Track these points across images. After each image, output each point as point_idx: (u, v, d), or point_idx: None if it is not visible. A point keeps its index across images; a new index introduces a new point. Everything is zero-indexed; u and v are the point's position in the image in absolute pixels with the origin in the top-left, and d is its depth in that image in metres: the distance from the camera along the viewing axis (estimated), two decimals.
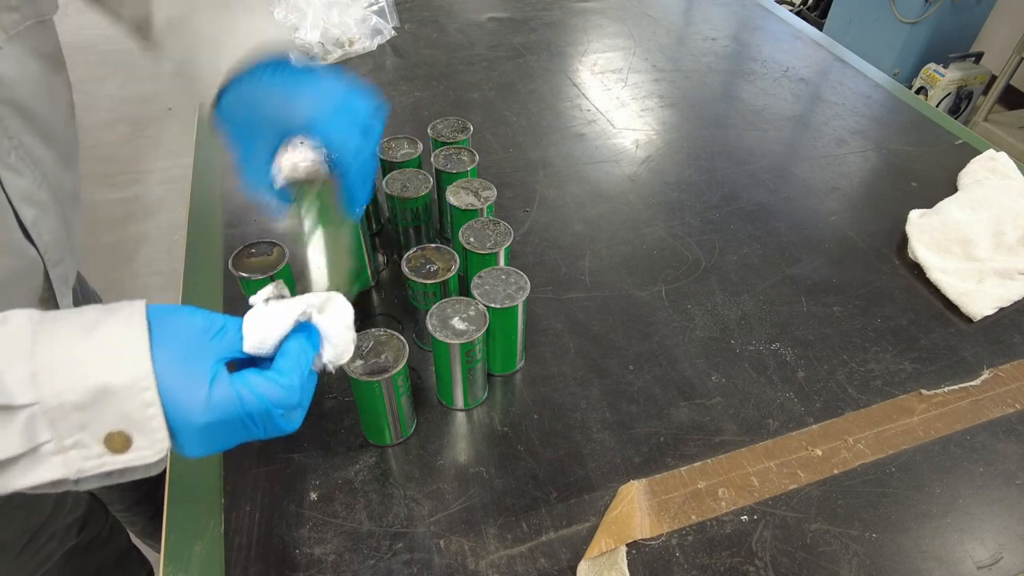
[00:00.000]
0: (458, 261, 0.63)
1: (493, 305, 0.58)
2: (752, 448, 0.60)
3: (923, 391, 0.66)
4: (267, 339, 0.39)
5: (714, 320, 0.73)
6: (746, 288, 0.77)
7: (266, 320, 0.40)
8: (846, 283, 0.78)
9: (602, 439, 0.61)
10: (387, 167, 0.77)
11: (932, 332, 0.72)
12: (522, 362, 0.67)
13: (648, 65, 1.23)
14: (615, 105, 1.11)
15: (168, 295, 1.87)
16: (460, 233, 0.66)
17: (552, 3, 1.46)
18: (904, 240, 0.83)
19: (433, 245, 0.65)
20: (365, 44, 1.22)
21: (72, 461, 0.34)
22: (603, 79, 1.18)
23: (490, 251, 0.65)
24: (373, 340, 0.56)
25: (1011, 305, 0.75)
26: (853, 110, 1.11)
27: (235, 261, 0.62)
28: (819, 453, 0.60)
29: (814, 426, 0.62)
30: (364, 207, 0.57)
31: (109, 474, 0.36)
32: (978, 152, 0.98)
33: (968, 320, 0.73)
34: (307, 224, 0.56)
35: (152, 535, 1.03)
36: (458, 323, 0.57)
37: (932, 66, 2.49)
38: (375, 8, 1.27)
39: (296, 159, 0.52)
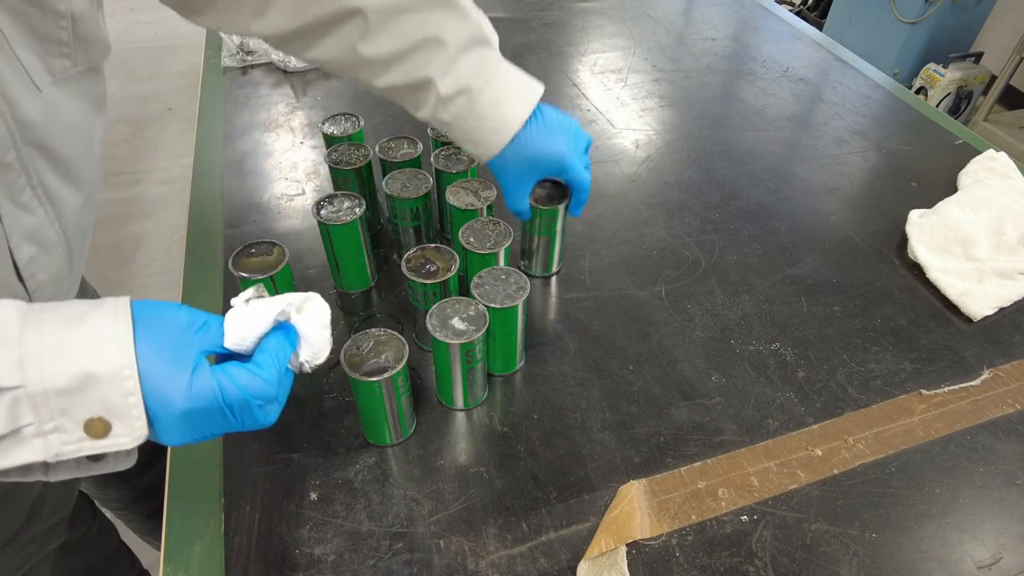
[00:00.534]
0: (458, 261, 0.63)
1: (493, 305, 0.58)
2: (752, 448, 0.60)
3: (923, 391, 0.66)
4: (247, 336, 0.41)
5: (714, 320, 0.73)
6: (746, 288, 0.77)
7: (247, 318, 0.41)
8: (846, 283, 0.78)
9: (602, 439, 0.61)
10: (387, 167, 0.77)
11: (932, 332, 0.72)
12: (522, 362, 0.67)
13: (648, 65, 1.23)
14: (615, 105, 1.11)
15: (168, 295, 1.87)
16: (460, 233, 0.66)
17: (552, 3, 1.46)
18: (904, 240, 0.83)
19: (433, 245, 0.65)
20: None
21: (52, 444, 0.35)
22: (603, 79, 1.18)
23: (490, 251, 0.65)
24: (373, 340, 0.56)
25: (1011, 305, 0.75)
26: (853, 110, 1.11)
27: (235, 261, 0.62)
28: (819, 453, 0.60)
29: (814, 426, 0.62)
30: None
31: (82, 461, 0.38)
32: (978, 152, 0.98)
33: (968, 320, 0.73)
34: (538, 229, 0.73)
35: (150, 533, 1.03)
36: (458, 323, 0.57)
37: (932, 66, 2.49)
38: None
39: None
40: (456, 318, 0.58)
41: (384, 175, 0.75)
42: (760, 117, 1.08)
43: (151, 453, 0.90)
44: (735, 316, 0.73)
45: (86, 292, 0.78)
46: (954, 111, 2.55)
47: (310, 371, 0.45)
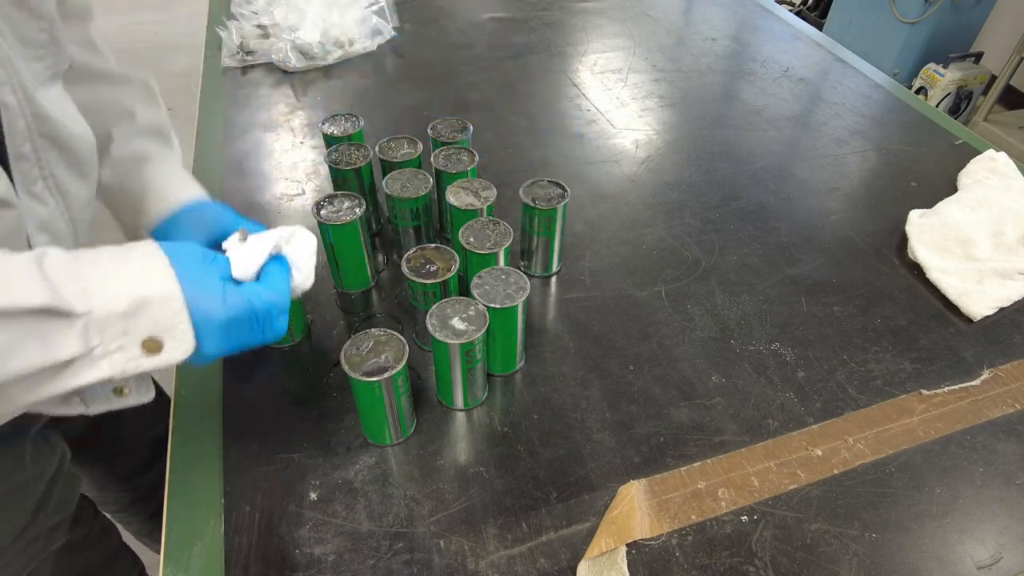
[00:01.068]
0: (458, 261, 0.63)
1: (493, 305, 0.58)
2: (752, 448, 0.60)
3: (923, 391, 0.66)
4: (251, 268, 0.49)
5: (714, 320, 0.73)
6: (746, 288, 0.77)
7: (249, 252, 0.50)
8: (846, 283, 0.78)
9: (602, 439, 0.61)
10: (387, 167, 0.77)
11: (932, 332, 0.72)
12: (522, 362, 0.67)
13: (648, 65, 1.23)
14: (615, 105, 1.11)
15: None
16: (460, 233, 0.66)
17: (552, 3, 1.46)
18: (904, 240, 0.83)
19: (433, 245, 0.65)
20: (365, 44, 1.22)
21: (116, 363, 0.41)
22: (603, 79, 1.18)
23: (490, 251, 0.65)
24: (373, 340, 0.56)
25: (1011, 305, 0.75)
26: (853, 110, 1.11)
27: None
28: (819, 453, 0.60)
29: (814, 426, 0.62)
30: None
31: (111, 397, 0.46)
32: (978, 152, 0.98)
33: (968, 320, 0.73)
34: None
35: (149, 535, 1.03)
36: (458, 323, 0.57)
37: (932, 66, 2.49)
38: (375, 8, 1.27)
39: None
40: (456, 318, 0.58)
41: (384, 175, 0.75)
42: (760, 117, 1.08)
43: (150, 455, 0.91)
44: (735, 316, 0.73)
45: None
46: (954, 111, 2.55)
47: (299, 296, 0.54)
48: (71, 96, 0.59)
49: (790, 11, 1.60)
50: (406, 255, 0.64)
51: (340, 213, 0.68)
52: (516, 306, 0.59)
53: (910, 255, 0.81)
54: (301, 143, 0.99)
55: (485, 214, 0.70)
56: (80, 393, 0.45)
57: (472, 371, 0.59)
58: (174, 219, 0.59)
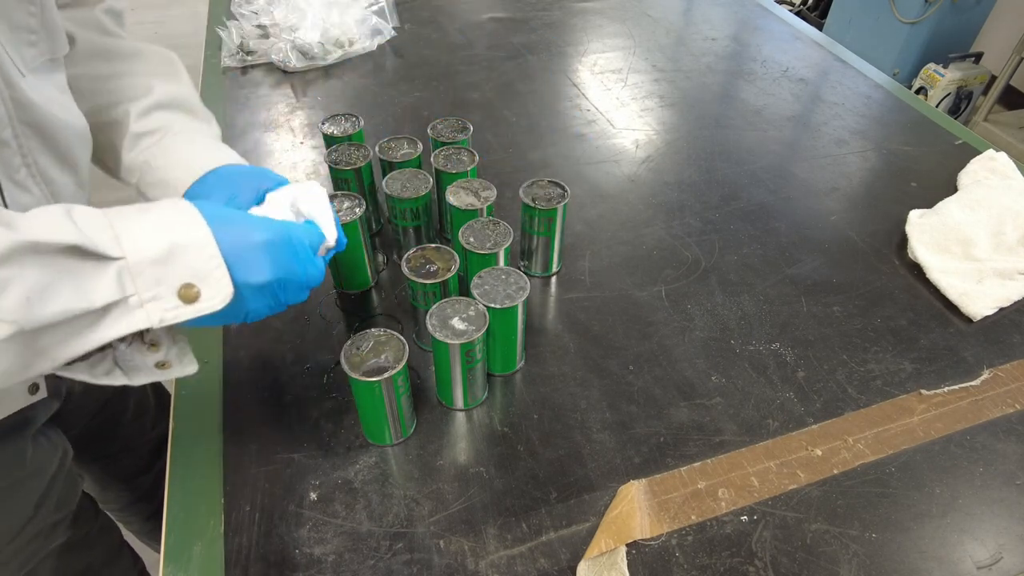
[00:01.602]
0: (458, 261, 0.63)
1: (493, 305, 0.58)
2: (752, 448, 0.60)
3: (923, 391, 0.66)
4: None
5: (714, 320, 0.73)
6: (746, 288, 0.77)
7: (274, 209, 0.51)
8: (846, 283, 0.78)
9: (602, 439, 0.61)
10: (387, 167, 0.77)
11: (932, 332, 0.72)
12: (522, 362, 0.67)
13: (648, 65, 1.23)
14: (615, 105, 1.11)
15: None
16: (460, 233, 0.66)
17: (552, 3, 1.46)
18: (904, 240, 0.83)
19: (433, 245, 0.65)
20: (365, 44, 1.22)
21: (153, 313, 0.40)
22: (603, 79, 1.18)
23: (490, 251, 0.65)
24: (373, 340, 0.56)
25: (1011, 305, 0.75)
26: (853, 110, 1.11)
27: None
28: (819, 453, 0.60)
29: (814, 426, 0.62)
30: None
31: (154, 371, 0.46)
32: (978, 152, 0.98)
33: (968, 320, 0.73)
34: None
35: (148, 535, 1.03)
36: (458, 323, 0.57)
37: (932, 66, 2.49)
38: (375, 8, 1.27)
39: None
40: (456, 318, 0.58)
41: (384, 175, 0.75)
42: (760, 117, 1.08)
43: (151, 454, 0.90)
44: (735, 316, 0.73)
45: None
46: (954, 111, 2.55)
47: (328, 255, 0.54)
48: (80, 76, 0.58)
49: (790, 11, 1.60)
50: (406, 255, 0.64)
51: (340, 213, 0.68)
52: (516, 306, 0.59)
53: (910, 255, 0.81)
54: (301, 143, 0.99)
55: (485, 214, 0.70)
56: (123, 366, 0.45)
57: (472, 371, 0.59)
58: (204, 182, 0.57)
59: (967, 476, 0.59)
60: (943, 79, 2.44)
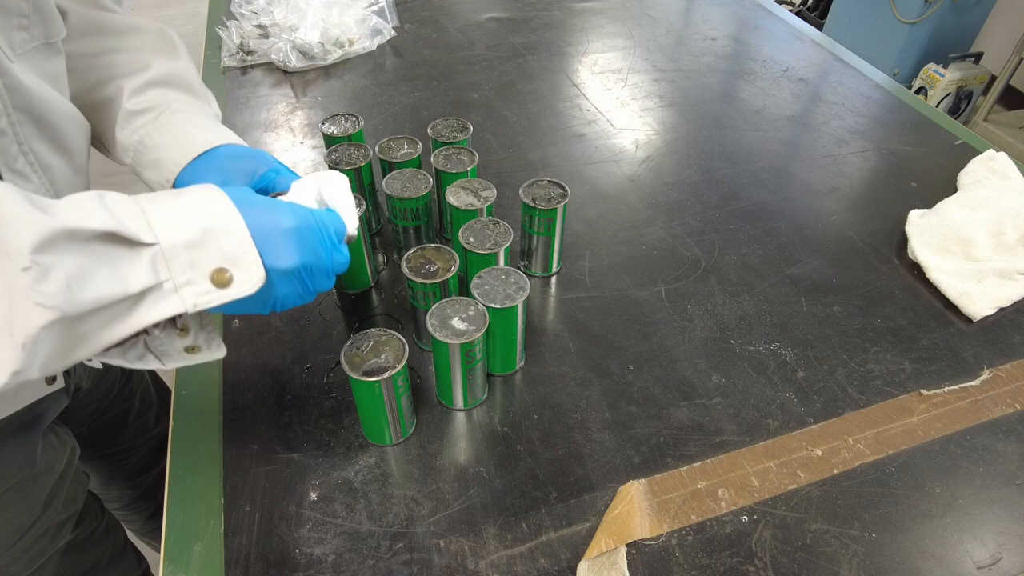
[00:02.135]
0: (458, 261, 0.63)
1: (493, 305, 0.58)
2: (752, 448, 0.60)
3: (923, 391, 0.66)
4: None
5: (714, 320, 0.73)
6: (746, 288, 0.77)
7: (300, 195, 0.52)
8: (846, 283, 0.78)
9: (602, 439, 0.61)
10: (387, 167, 0.77)
11: (932, 332, 0.72)
12: (522, 362, 0.67)
13: (648, 65, 1.23)
14: (615, 105, 1.11)
15: None
16: (460, 233, 0.66)
17: (552, 3, 1.46)
18: (904, 240, 0.83)
19: (433, 245, 0.65)
20: (365, 44, 1.22)
21: (187, 297, 0.41)
22: (603, 79, 1.18)
23: (490, 251, 0.65)
24: (373, 340, 0.56)
25: (1011, 305, 0.75)
26: (853, 110, 1.11)
27: None
28: (819, 453, 0.60)
29: (814, 426, 0.62)
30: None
31: (183, 354, 0.46)
32: (978, 152, 0.98)
33: (968, 320, 0.73)
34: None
35: (149, 534, 1.03)
36: (458, 323, 0.57)
37: (932, 66, 2.49)
38: (375, 8, 1.27)
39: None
40: (456, 318, 0.58)
41: (384, 175, 0.75)
42: (760, 117, 1.08)
43: (154, 452, 0.91)
44: (735, 316, 0.73)
45: None
46: (954, 111, 2.55)
47: (349, 240, 0.54)
48: (73, 52, 0.56)
49: (790, 11, 1.60)
50: (406, 255, 0.64)
51: None
52: (516, 306, 0.59)
53: (910, 255, 0.81)
54: (301, 143, 0.99)
55: (485, 214, 0.70)
56: (155, 351, 0.45)
57: (472, 371, 0.59)
58: (196, 165, 0.56)
59: (967, 476, 0.59)
60: (943, 79, 2.44)
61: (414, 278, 0.61)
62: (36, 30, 0.49)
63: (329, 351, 0.68)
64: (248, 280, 0.42)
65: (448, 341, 0.55)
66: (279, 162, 0.58)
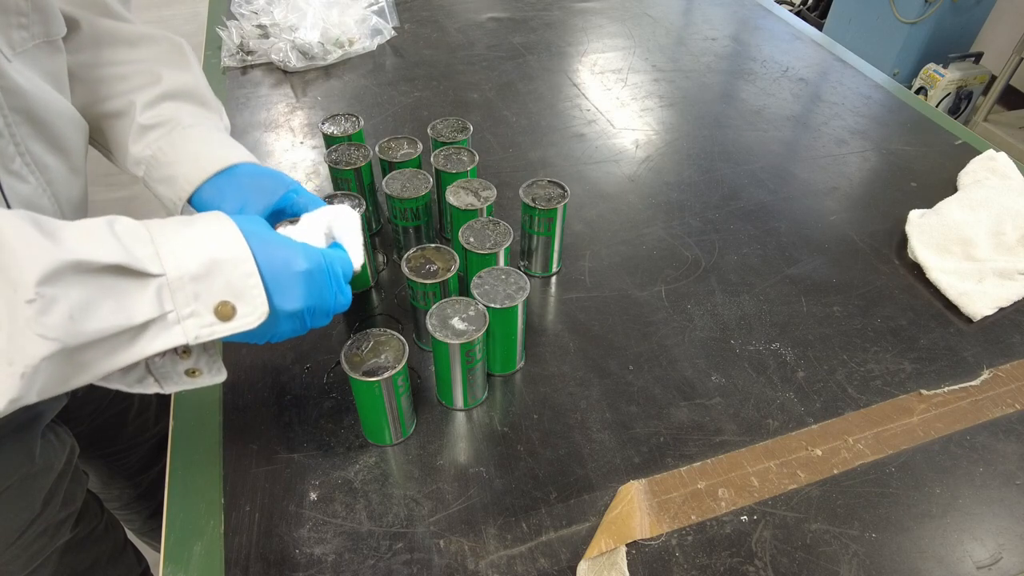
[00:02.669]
0: (458, 261, 0.63)
1: (493, 305, 0.58)
2: (752, 448, 0.60)
3: (923, 391, 0.66)
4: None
5: (714, 320, 0.73)
6: (746, 288, 0.77)
7: (302, 235, 0.51)
8: (846, 283, 0.78)
9: (602, 439, 0.61)
10: (387, 167, 0.77)
11: (932, 332, 0.72)
12: (522, 362, 0.67)
13: (648, 65, 1.23)
14: (615, 105, 1.11)
15: None
16: (460, 233, 0.66)
17: (552, 3, 1.46)
18: (904, 240, 0.83)
19: (433, 245, 0.65)
20: (365, 44, 1.22)
21: (190, 329, 0.40)
22: (603, 79, 1.18)
23: (490, 251, 0.65)
24: (373, 340, 0.56)
25: (1011, 305, 0.75)
26: (853, 110, 1.11)
27: None
28: (819, 453, 0.60)
29: (814, 426, 0.62)
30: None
31: (184, 378, 0.46)
32: (978, 152, 0.98)
33: (968, 320, 0.73)
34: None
35: (149, 533, 1.03)
36: (458, 323, 0.57)
37: (932, 66, 2.49)
38: (375, 8, 1.27)
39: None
40: (456, 318, 0.58)
41: (384, 175, 0.75)
42: (760, 117, 1.08)
43: (154, 451, 0.91)
44: (735, 316, 0.73)
45: None
46: (954, 111, 2.55)
47: (354, 274, 0.54)
48: (84, 63, 0.56)
49: (790, 11, 1.60)
50: (406, 255, 0.64)
51: None
52: (516, 306, 0.59)
53: (910, 255, 0.81)
54: (301, 143, 0.99)
55: (485, 214, 0.70)
56: (156, 374, 0.45)
57: (472, 371, 0.59)
58: (213, 184, 0.56)
59: (967, 476, 0.59)
60: (943, 79, 2.44)
61: (414, 278, 0.61)
62: (36, 28, 0.48)
63: (329, 351, 0.68)
64: (251, 315, 0.42)
65: (448, 341, 0.55)
66: (297, 183, 0.58)
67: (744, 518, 0.55)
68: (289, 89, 1.12)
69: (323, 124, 0.81)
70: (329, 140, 0.81)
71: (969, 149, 1.01)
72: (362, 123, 0.82)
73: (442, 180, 0.75)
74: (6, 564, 0.61)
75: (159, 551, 0.52)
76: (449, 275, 0.61)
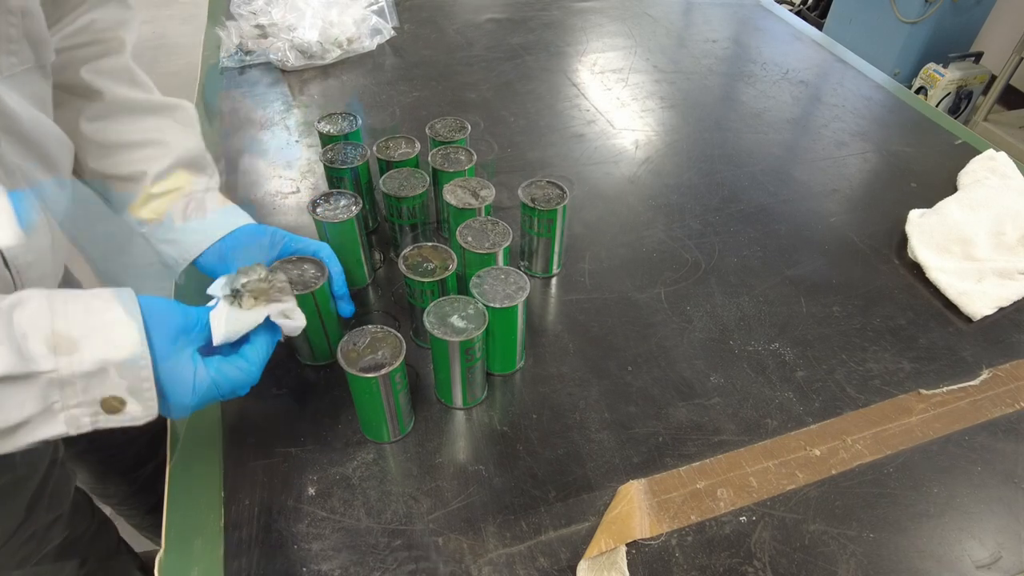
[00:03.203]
0: (455, 260, 0.63)
1: (493, 305, 0.58)
2: (751, 448, 0.60)
3: (922, 391, 0.66)
4: (232, 336, 0.49)
5: (713, 321, 0.73)
6: (746, 290, 0.77)
7: (233, 322, 0.49)
8: (845, 283, 0.78)
9: (601, 439, 0.61)
10: (384, 166, 0.77)
11: (931, 332, 0.72)
12: (522, 362, 0.67)
13: (649, 65, 1.23)
14: (615, 105, 1.11)
15: (162, 285, 1.86)
16: (458, 232, 0.66)
17: (552, 3, 1.46)
18: (904, 240, 0.83)
19: (430, 244, 0.65)
20: (364, 44, 1.22)
21: (73, 419, 0.40)
22: (603, 79, 1.18)
23: (488, 251, 0.64)
24: (370, 336, 0.56)
25: (1010, 305, 0.75)
26: (853, 112, 1.11)
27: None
28: (818, 453, 0.60)
29: (813, 426, 0.62)
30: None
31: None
32: (978, 152, 0.98)
33: (967, 320, 0.73)
34: None
35: (149, 528, 1.03)
36: (457, 321, 0.57)
37: (932, 66, 2.49)
38: (374, 8, 1.27)
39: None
40: (455, 316, 0.58)
41: (382, 174, 0.75)
42: (760, 120, 1.08)
43: (149, 446, 0.90)
44: (734, 317, 0.73)
45: (70, 282, 0.79)
46: (954, 111, 2.55)
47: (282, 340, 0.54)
48: (102, 129, 0.59)
49: (790, 11, 1.60)
50: (403, 253, 0.63)
51: (337, 211, 0.68)
52: (516, 306, 0.59)
53: (910, 255, 0.81)
54: (297, 142, 0.99)
55: (483, 214, 0.70)
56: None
57: (471, 370, 0.59)
58: (217, 247, 0.60)
59: (966, 476, 0.59)
60: (943, 79, 2.44)
61: (411, 276, 0.61)
62: (24, 55, 0.50)
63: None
64: (142, 413, 0.43)
65: (448, 339, 0.55)
66: (289, 233, 0.62)
67: (743, 518, 0.55)
68: (286, 88, 1.12)
69: (319, 123, 0.81)
70: (325, 139, 0.80)
71: (969, 149, 1.01)
72: (359, 122, 0.82)
73: (439, 179, 0.75)
74: None
75: (159, 545, 0.52)
76: (447, 273, 0.61)
